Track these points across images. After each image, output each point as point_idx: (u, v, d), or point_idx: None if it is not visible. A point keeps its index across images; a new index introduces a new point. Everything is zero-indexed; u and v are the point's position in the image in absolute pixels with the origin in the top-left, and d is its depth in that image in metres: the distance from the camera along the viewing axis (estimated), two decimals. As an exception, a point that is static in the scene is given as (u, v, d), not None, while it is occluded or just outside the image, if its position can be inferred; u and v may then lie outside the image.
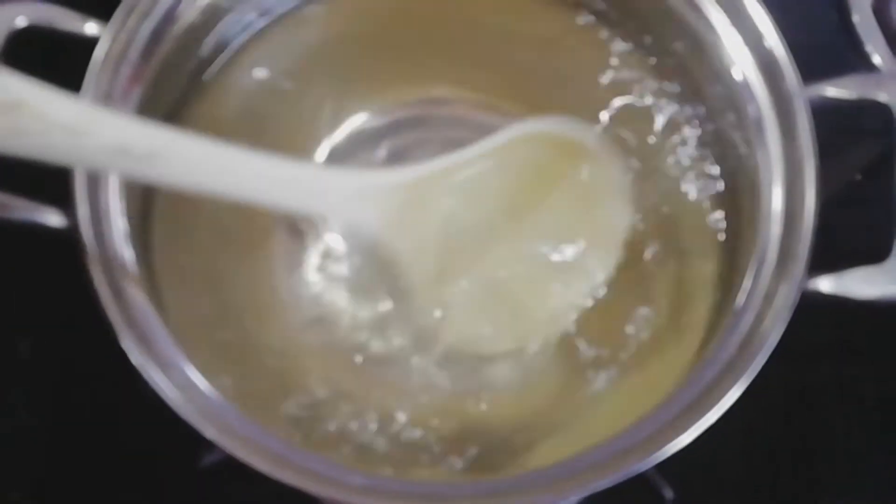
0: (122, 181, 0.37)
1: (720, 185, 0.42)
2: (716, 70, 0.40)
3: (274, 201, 0.37)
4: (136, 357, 0.34)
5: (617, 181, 0.42)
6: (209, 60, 0.43)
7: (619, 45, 0.42)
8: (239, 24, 0.43)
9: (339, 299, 0.42)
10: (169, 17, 0.39)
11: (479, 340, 0.41)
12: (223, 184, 0.35)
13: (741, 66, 0.39)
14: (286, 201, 0.37)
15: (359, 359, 0.41)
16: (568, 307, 0.41)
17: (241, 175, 0.35)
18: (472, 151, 0.40)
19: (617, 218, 0.42)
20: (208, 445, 0.33)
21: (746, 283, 0.37)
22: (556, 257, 0.41)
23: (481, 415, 0.40)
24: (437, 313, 0.40)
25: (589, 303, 0.41)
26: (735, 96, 0.39)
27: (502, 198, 0.41)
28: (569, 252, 0.41)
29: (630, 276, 0.43)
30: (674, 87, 0.43)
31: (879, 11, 0.45)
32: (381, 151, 0.44)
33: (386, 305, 0.41)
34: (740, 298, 0.37)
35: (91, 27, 0.38)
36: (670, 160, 0.43)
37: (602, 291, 0.41)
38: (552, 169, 0.41)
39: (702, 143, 0.43)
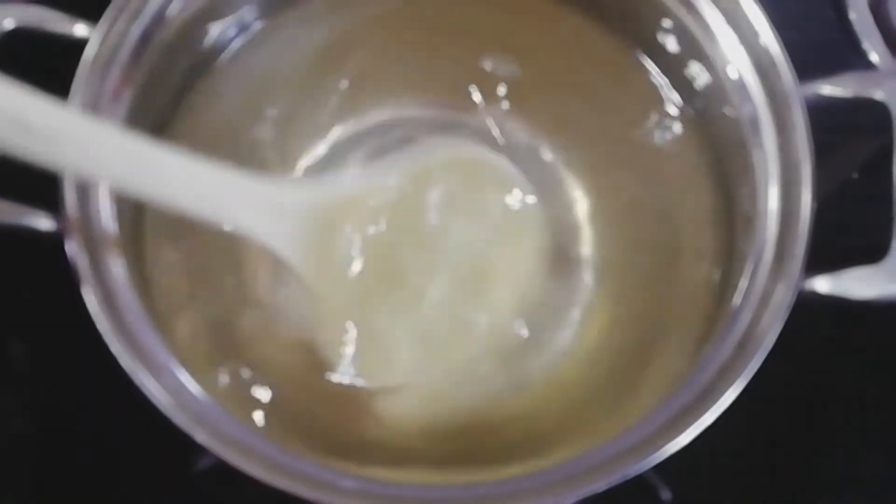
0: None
1: (715, 185, 0.42)
2: (711, 68, 0.40)
3: (177, 203, 0.34)
4: (126, 362, 0.34)
5: (524, 207, 0.41)
6: (201, 62, 0.42)
7: (612, 43, 0.42)
8: (232, 26, 0.43)
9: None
10: (159, 19, 0.39)
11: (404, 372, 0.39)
12: (127, 178, 0.33)
13: (736, 64, 0.39)
14: (190, 204, 0.35)
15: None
16: (502, 321, 0.40)
17: (145, 171, 0.33)
18: (393, 171, 0.39)
19: (529, 241, 0.41)
20: (202, 449, 0.33)
21: (743, 283, 0.37)
22: (478, 276, 0.40)
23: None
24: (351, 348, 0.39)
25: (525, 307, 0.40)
26: (730, 95, 0.39)
27: (420, 220, 0.39)
28: (491, 271, 0.40)
29: (627, 277, 0.42)
30: (668, 86, 0.43)
31: (876, 9, 0.45)
32: (358, 155, 0.43)
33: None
34: (737, 299, 0.36)
35: (80, 29, 0.38)
36: (664, 158, 0.43)
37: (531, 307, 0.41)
38: (467, 193, 0.40)
39: (696, 141, 0.43)
